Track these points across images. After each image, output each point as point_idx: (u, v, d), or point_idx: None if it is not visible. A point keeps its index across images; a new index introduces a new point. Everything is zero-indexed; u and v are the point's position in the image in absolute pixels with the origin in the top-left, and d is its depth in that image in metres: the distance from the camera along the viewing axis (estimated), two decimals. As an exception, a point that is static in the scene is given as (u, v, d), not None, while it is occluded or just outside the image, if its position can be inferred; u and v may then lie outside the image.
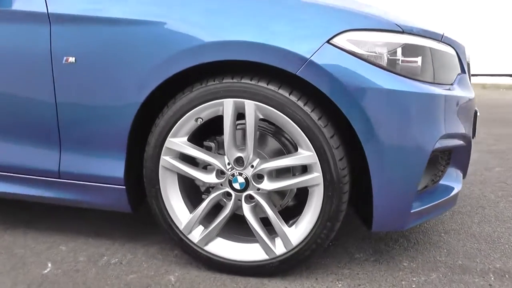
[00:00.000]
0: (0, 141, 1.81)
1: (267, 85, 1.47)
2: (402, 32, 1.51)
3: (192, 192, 1.77)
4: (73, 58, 1.62)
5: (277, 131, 1.69)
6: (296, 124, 1.47)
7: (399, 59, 1.49)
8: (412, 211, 1.56)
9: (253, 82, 1.48)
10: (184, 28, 1.51)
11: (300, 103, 1.46)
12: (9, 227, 2.13)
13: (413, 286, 1.62)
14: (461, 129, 1.66)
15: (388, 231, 1.72)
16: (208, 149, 1.67)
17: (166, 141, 1.60)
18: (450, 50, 1.69)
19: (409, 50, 1.51)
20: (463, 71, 1.79)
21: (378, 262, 1.79)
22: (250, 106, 1.49)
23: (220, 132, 1.73)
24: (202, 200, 1.69)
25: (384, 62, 1.47)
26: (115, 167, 1.69)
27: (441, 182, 1.80)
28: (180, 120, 1.57)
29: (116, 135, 1.65)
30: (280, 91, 1.47)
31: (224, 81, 1.50)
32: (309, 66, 1.41)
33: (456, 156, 1.81)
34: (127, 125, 1.62)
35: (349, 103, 1.42)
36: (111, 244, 1.94)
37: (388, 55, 1.48)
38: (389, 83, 1.43)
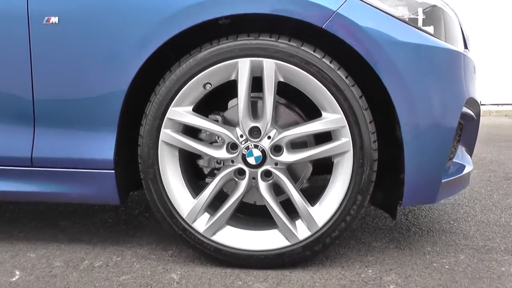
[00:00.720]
0: None
1: (289, 41, 1.32)
2: (421, -8, 1.46)
3: (192, 177, 1.55)
4: (56, 18, 1.38)
5: (288, 105, 1.53)
6: (322, 84, 1.32)
7: (421, 18, 1.41)
8: (443, 181, 1.44)
9: (273, 38, 1.32)
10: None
11: (326, 60, 1.32)
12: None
13: (446, 267, 1.48)
14: (476, 96, 1.60)
15: (419, 205, 1.58)
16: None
17: (169, 110, 1.38)
18: (456, 21, 1.66)
19: (429, 11, 1.44)
20: (465, 47, 1.76)
21: (399, 248, 1.63)
22: (269, 66, 1.33)
23: (223, 107, 1.55)
24: (204, 185, 1.47)
25: (407, 19, 1.39)
26: (103, 148, 1.44)
27: (454, 160, 1.72)
28: (186, 86, 1.37)
29: (106, 109, 1.41)
30: (304, 47, 1.32)
31: (239, 39, 1.34)
32: (336, 18, 1.29)
33: (466, 133, 1.74)
34: (121, 96, 1.39)
35: (379, 58, 1.30)
36: (90, 248, 1.64)
37: (411, 13, 1.41)
38: (417, 38, 1.35)
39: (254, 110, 1.47)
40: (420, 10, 1.42)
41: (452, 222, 1.93)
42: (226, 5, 1.30)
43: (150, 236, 1.76)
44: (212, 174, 1.51)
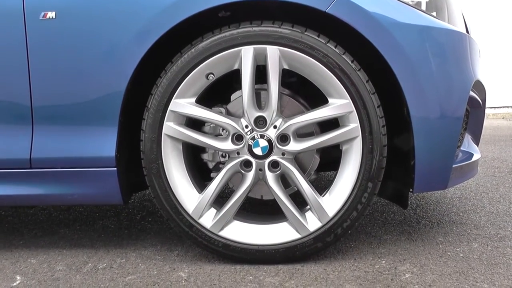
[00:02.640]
0: None
1: (292, 27, 1.30)
2: (423, -23, 1.45)
3: (196, 173, 1.51)
4: (53, 13, 1.35)
5: (292, 95, 1.50)
6: (328, 69, 1.29)
7: (424, 2, 1.40)
8: (453, 166, 1.41)
9: (275, 25, 1.30)
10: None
11: (331, 45, 1.30)
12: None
13: (461, 255, 1.44)
14: (482, 80, 1.58)
15: (430, 191, 1.54)
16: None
17: (171, 103, 1.34)
18: (458, 7, 1.65)
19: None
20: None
21: (411, 240, 1.59)
22: (273, 52, 1.30)
23: (225, 100, 1.52)
24: (209, 180, 1.43)
25: (411, 2, 1.38)
26: (104, 145, 1.40)
27: (461, 148, 1.69)
28: (188, 77, 1.34)
29: (106, 104, 1.37)
30: (308, 33, 1.30)
31: (241, 26, 1.31)
32: (340, 2, 1.27)
33: (472, 121, 1.72)
34: (121, 90, 1.36)
35: (386, 41, 1.28)
36: (93, 252, 1.58)
37: (414, -2, 1.40)
38: (422, 20, 1.33)
39: (258, 101, 1.44)
40: (423, -7, 1.41)
41: (461, 214, 1.89)
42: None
43: (154, 238, 1.70)
44: (217, 169, 1.47)
